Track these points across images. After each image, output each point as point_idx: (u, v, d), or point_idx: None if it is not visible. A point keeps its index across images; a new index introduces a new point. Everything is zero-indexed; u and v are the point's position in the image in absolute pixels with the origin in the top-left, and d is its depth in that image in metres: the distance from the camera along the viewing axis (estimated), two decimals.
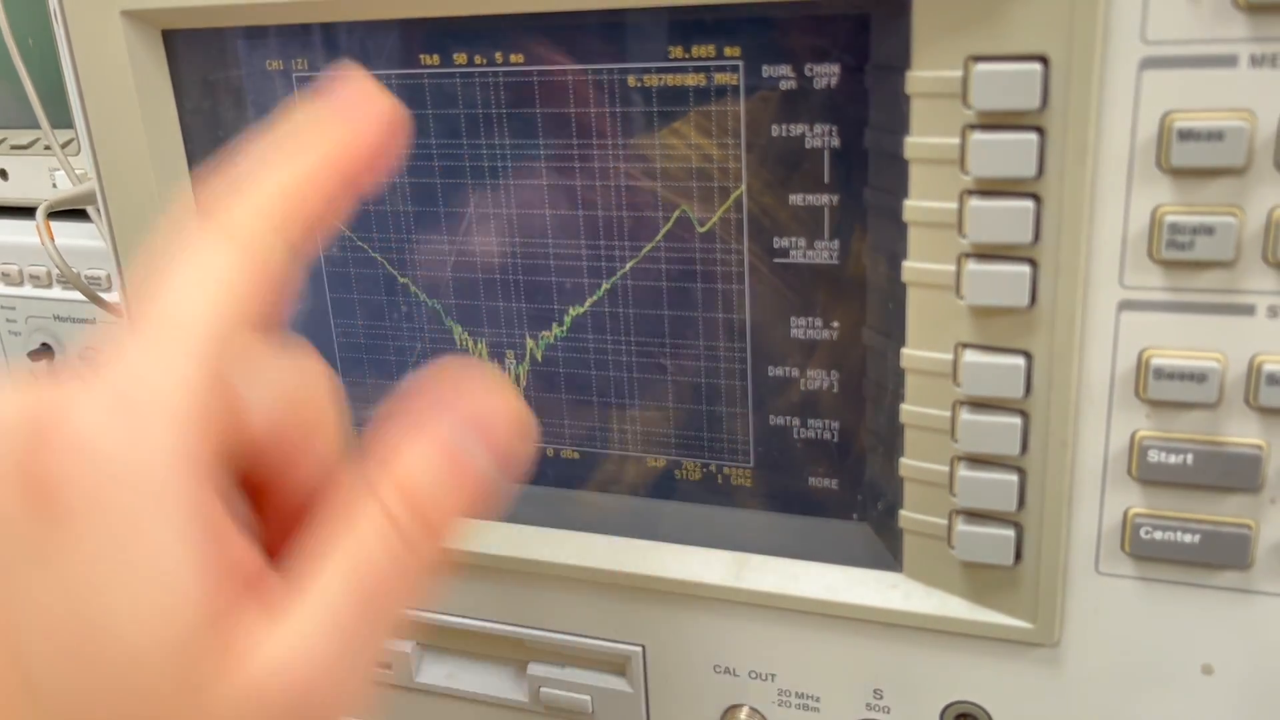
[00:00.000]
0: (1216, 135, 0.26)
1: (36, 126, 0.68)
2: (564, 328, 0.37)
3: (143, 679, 0.21)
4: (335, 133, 0.23)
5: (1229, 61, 0.26)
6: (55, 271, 0.68)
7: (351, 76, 0.23)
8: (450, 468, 0.23)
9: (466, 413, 0.23)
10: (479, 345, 0.38)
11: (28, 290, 0.70)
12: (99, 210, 0.39)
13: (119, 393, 0.21)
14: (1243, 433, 0.28)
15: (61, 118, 0.66)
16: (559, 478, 0.39)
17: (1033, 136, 0.27)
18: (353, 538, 0.22)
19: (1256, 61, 0.25)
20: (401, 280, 0.38)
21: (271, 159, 0.23)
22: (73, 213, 0.64)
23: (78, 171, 0.70)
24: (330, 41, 0.36)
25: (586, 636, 0.38)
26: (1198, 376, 0.28)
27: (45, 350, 0.71)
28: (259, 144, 0.23)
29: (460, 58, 0.34)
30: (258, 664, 0.21)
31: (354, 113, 0.23)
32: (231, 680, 0.21)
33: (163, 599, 0.21)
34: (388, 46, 0.36)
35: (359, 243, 0.38)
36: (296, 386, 0.26)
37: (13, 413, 0.21)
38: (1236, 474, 0.28)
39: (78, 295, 0.65)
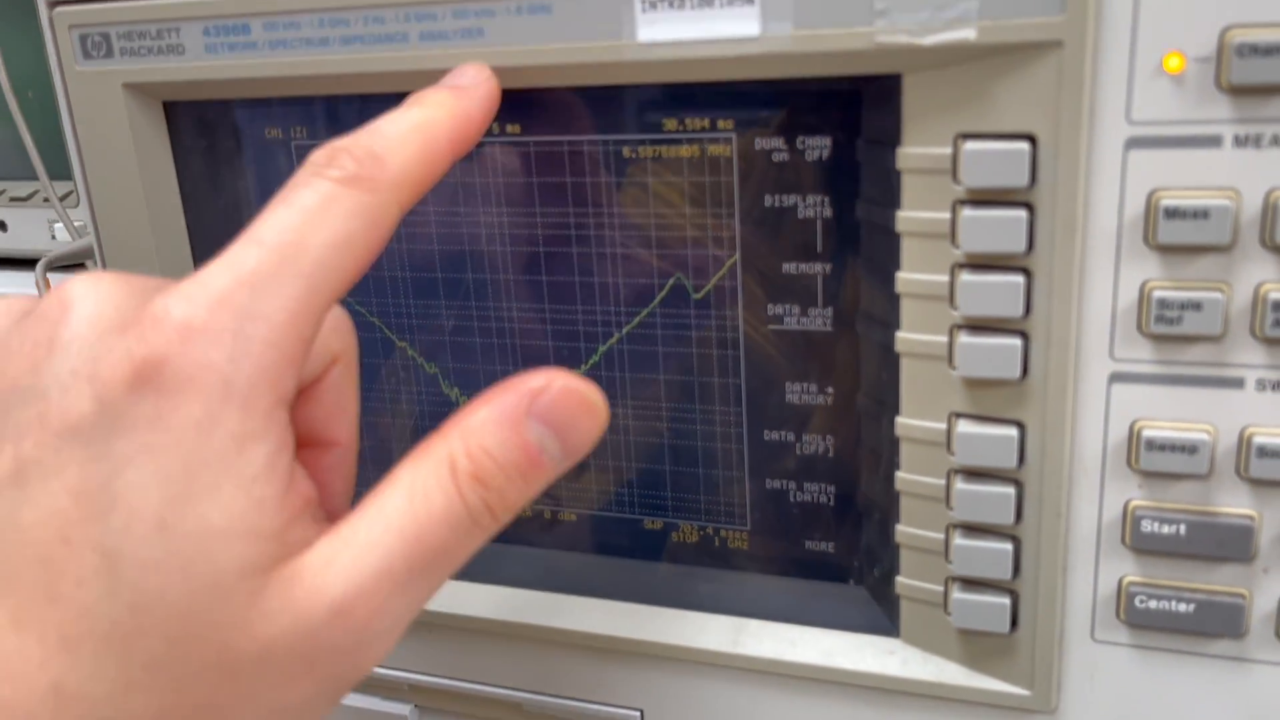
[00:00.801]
0: (1202, 213, 0.26)
1: (36, 178, 0.68)
2: None
3: (213, 557, 0.21)
4: (454, 105, 0.27)
5: (1213, 142, 0.26)
6: None
7: (468, 66, 0.29)
8: (514, 437, 0.24)
9: (533, 392, 0.24)
10: None
11: None
12: (98, 266, 0.40)
13: (226, 294, 0.22)
14: (1234, 503, 0.28)
15: (61, 169, 0.67)
16: (556, 540, 0.39)
17: (1022, 213, 0.28)
18: (416, 490, 0.23)
19: (1240, 142, 0.26)
20: (400, 344, 0.38)
21: (404, 125, 0.26)
22: (73, 264, 0.65)
23: (76, 224, 0.70)
24: (329, 111, 0.36)
25: (585, 700, 0.38)
26: (1189, 448, 0.28)
27: None
28: (395, 114, 0.26)
29: None
30: (310, 577, 0.22)
31: (471, 90, 0.28)
32: (285, 581, 0.22)
33: (241, 487, 0.22)
34: None
35: (358, 307, 0.39)
36: (339, 349, 0.27)
37: (123, 299, 0.22)
38: (1229, 544, 0.29)
39: None
